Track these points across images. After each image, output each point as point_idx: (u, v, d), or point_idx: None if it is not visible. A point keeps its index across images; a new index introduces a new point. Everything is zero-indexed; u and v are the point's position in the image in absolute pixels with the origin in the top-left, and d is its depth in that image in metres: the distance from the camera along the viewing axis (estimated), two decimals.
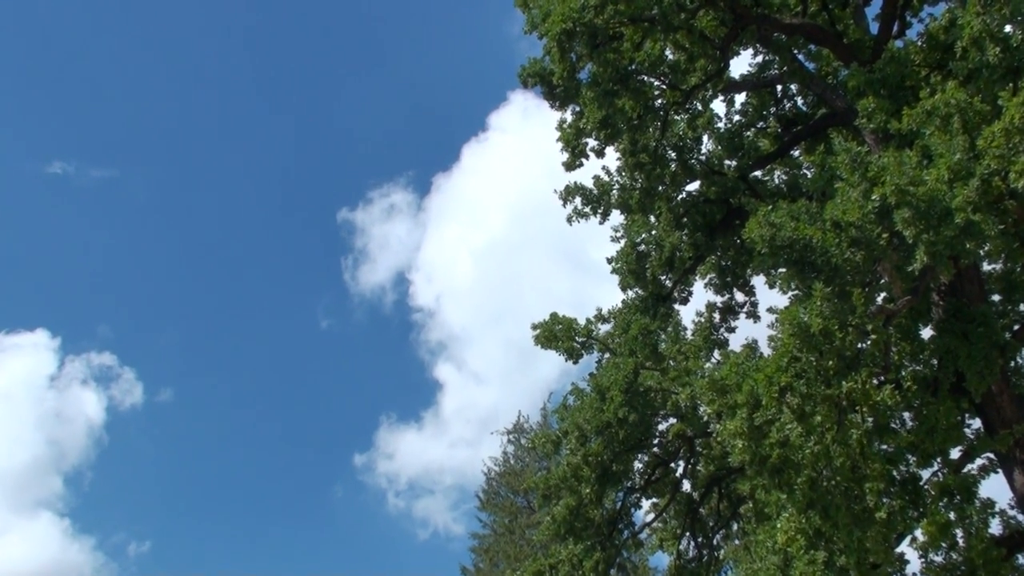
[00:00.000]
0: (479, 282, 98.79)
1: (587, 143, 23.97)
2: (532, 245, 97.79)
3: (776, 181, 26.55)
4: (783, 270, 16.54)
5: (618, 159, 24.74)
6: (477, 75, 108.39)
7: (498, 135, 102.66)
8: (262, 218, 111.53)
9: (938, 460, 19.05)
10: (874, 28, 23.26)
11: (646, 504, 25.53)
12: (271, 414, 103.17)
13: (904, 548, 18.50)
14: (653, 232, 24.35)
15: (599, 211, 25.25)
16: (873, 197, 15.18)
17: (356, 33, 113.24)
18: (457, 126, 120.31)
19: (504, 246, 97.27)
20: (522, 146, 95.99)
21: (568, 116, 23.95)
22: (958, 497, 18.22)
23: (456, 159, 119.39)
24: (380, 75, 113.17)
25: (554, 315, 24.79)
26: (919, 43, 20.60)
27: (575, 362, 25.07)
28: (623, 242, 24.94)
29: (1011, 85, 16.35)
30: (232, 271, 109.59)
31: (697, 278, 26.07)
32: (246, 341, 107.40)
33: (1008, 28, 16.75)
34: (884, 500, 17.25)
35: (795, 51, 24.29)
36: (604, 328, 25.10)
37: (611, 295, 39.72)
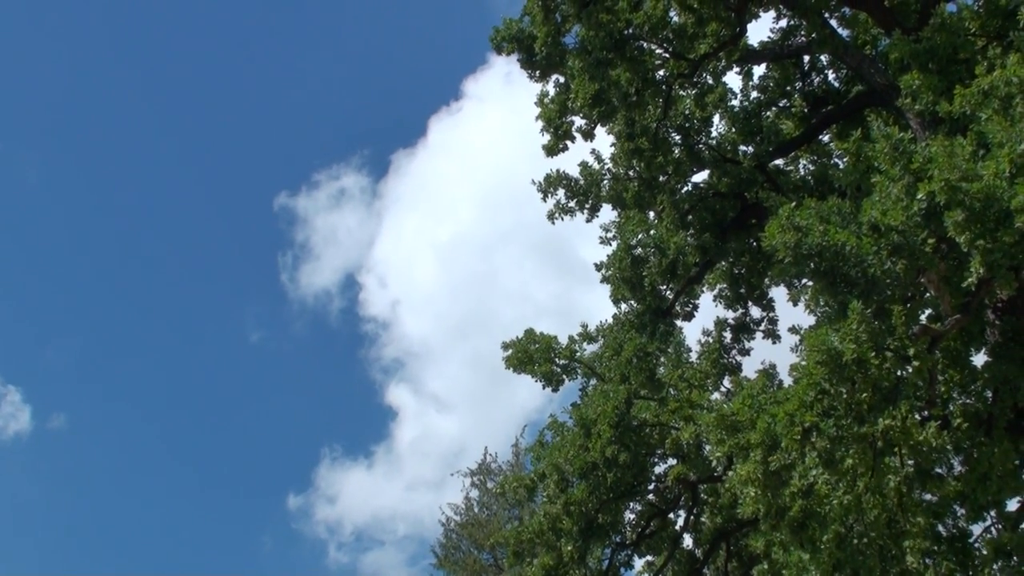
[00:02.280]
0: (443, 286, 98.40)
1: (573, 122, 24.09)
2: (508, 240, 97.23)
3: (801, 172, 26.73)
4: (809, 282, 16.61)
5: (611, 143, 24.83)
6: (450, 31, 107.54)
7: (473, 105, 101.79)
8: (179, 205, 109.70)
9: (992, 513, 19.19)
10: None
11: (639, 563, 25.56)
12: (187, 446, 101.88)
13: None
14: (652, 232, 24.39)
15: (586, 206, 25.34)
16: (919, 195, 15.26)
17: None
18: (424, 94, 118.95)
19: (474, 242, 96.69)
20: (502, 119, 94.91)
21: (551, 89, 24.04)
22: (1015, 558, 18.36)
23: (421, 134, 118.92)
24: (332, 32, 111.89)
25: (530, 332, 24.78)
26: (975, 7, 20.78)
27: (555, 389, 25.05)
28: (615, 244, 24.96)
29: None
30: (141, 271, 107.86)
31: (704, 289, 26.18)
32: (157, 357, 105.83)
33: None
34: (927, 561, 17.37)
35: (826, 14, 24.44)
36: (591, 348, 25.13)
37: (603, 304, 39.86)
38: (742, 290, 26.22)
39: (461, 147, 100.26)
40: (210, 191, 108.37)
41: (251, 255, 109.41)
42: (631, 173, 24.82)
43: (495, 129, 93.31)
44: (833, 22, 24.86)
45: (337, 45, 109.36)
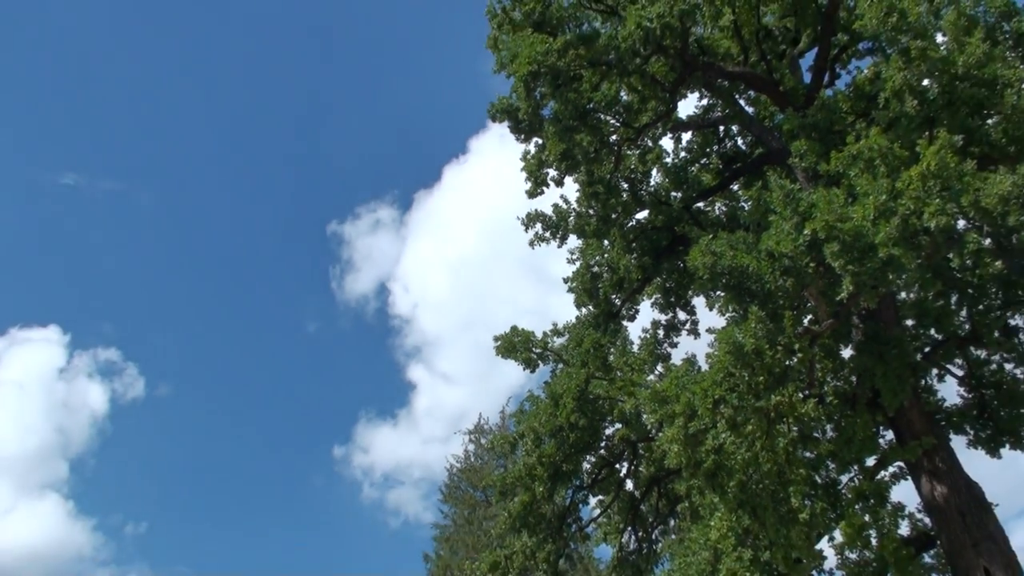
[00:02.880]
0: (452, 293, 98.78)
1: (548, 173, 23.90)
2: (501, 260, 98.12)
3: (717, 212, 26.63)
4: (721, 294, 16.56)
5: (576, 189, 24.73)
6: (461, 102, 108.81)
7: (477, 158, 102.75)
8: (259, 228, 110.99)
9: (855, 467, 19.16)
10: (807, 78, 23.47)
11: (593, 501, 25.42)
12: (260, 408, 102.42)
13: (823, 546, 18.59)
14: (606, 256, 24.37)
15: (558, 236, 25.20)
16: (804, 231, 15.24)
17: (352, 62, 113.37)
18: (440, 148, 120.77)
19: (476, 260, 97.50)
20: (497, 169, 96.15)
21: (532, 148, 23.89)
22: (872, 501, 18.32)
23: (438, 179, 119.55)
24: (374, 101, 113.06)
25: (514, 328, 24.66)
26: (847, 93, 20.79)
27: (532, 371, 24.97)
28: (578, 264, 24.97)
29: (927, 134, 16.52)
30: (229, 277, 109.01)
31: (644, 298, 26.08)
32: (240, 341, 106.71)
33: (926, 82, 16.93)
34: (806, 503, 17.31)
35: (736, 96, 24.43)
36: (559, 341, 24.99)
37: (570, 307, 39.73)
38: (672, 299, 26.10)
39: (467, 189, 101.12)
40: (281, 219, 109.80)
41: (310, 267, 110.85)
42: (591, 211, 24.71)
43: (492, 176, 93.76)
44: (742, 101, 24.85)
45: (378, 110, 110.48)
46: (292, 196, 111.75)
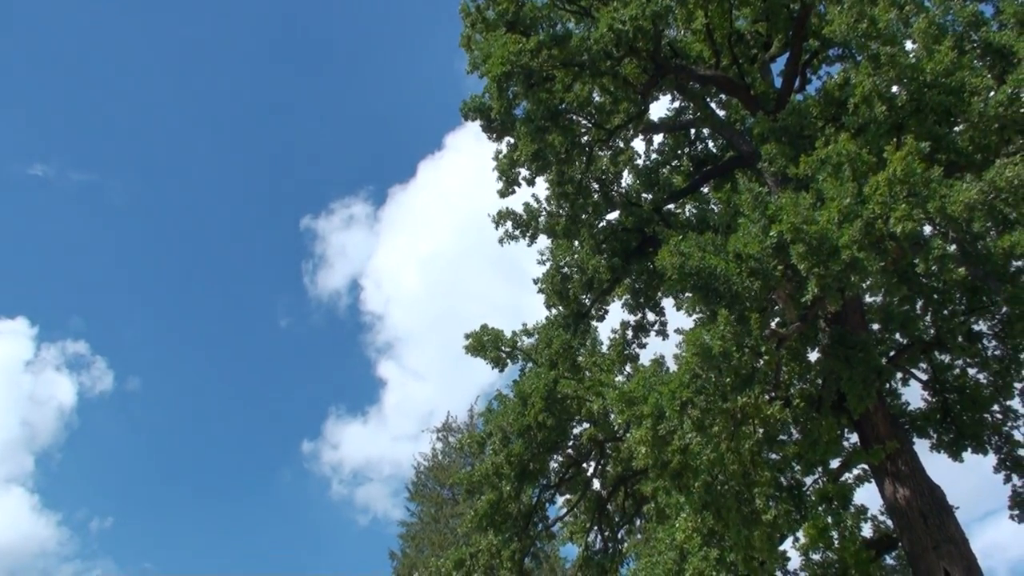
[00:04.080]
0: (424, 289, 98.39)
1: (520, 173, 23.87)
2: (474, 257, 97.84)
3: (687, 214, 26.72)
4: (690, 295, 16.58)
5: (547, 189, 24.71)
6: (437, 97, 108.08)
7: (452, 154, 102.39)
8: (231, 222, 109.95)
9: (819, 469, 19.29)
10: (779, 82, 23.60)
11: (559, 500, 25.44)
12: (230, 403, 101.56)
13: (787, 547, 18.69)
14: (576, 256, 24.37)
15: (528, 235, 25.18)
16: (771, 233, 15.30)
17: (327, 56, 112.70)
18: (416, 144, 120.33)
19: (449, 257, 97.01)
20: (473, 166, 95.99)
21: (503, 148, 23.86)
22: (836, 503, 18.44)
23: (412, 175, 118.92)
24: (349, 96, 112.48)
25: (484, 327, 24.61)
26: (817, 98, 20.93)
27: (501, 370, 24.94)
28: (548, 265, 24.94)
29: (895, 140, 16.63)
30: (201, 271, 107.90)
31: (614, 299, 26.11)
32: (211, 336, 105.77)
33: (895, 89, 17.05)
34: (771, 504, 17.39)
35: (708, 99, 24.58)
36: (529, 341, 24.97)
37: (541, 305, 39.65)
38: (641, 300, 26.13)
39: (442, 185, 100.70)
40: (254, 213, 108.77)
41: (282, 262, 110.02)
42: (561, 211, 24.70)
43: (467, 172, 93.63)
44: (713, 105, 24.97)
45: (353, 104, 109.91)
46: (265, 190, 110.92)
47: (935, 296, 20.85)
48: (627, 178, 26.21)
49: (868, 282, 15.52)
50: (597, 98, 23.67)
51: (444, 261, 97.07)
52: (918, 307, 21.24)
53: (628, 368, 25.34)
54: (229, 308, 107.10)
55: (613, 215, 25.33)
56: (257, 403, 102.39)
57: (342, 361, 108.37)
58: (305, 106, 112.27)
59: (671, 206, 26.31)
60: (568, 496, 25.41)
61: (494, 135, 23.38)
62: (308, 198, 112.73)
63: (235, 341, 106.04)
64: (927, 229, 16.71)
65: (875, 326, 21.57)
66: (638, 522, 25.95)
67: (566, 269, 24.76)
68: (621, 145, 25.57)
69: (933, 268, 14.94)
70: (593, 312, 25.38)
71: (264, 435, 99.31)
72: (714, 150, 26.57)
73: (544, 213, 25.17)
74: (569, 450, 24.50)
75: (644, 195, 25.73)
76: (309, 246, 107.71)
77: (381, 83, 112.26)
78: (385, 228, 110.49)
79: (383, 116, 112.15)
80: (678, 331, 24.24)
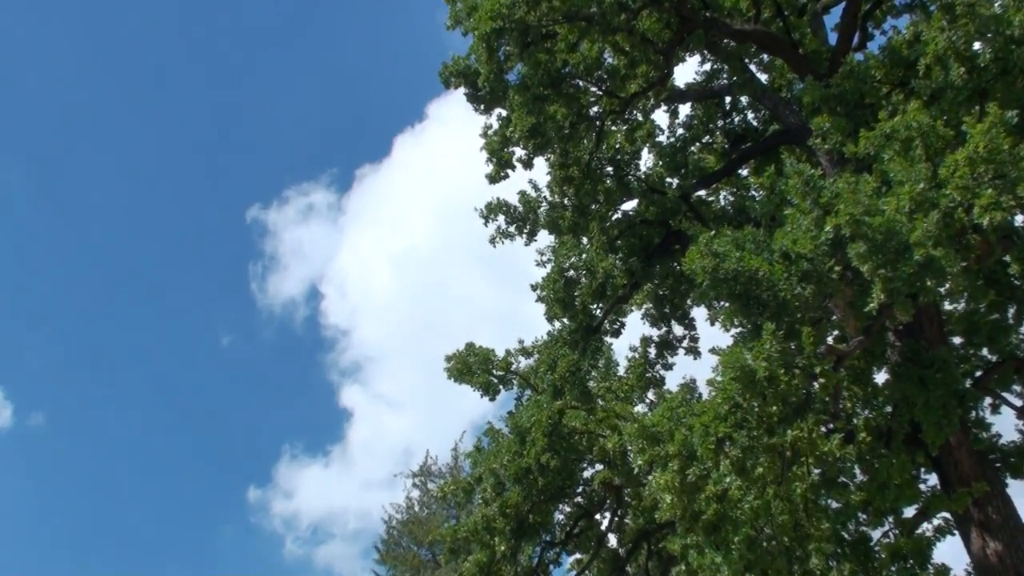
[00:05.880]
0: (400, 297, 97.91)
1: (513, 153, 24.02)
2: (460, 255, 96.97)
3: (721, 203, 26.87)
4: (726, 304, 16.64)
5: (547, 173, 24.82)
6: (418, 59, 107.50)
7: (436, 127, 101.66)
8: (159, 216, 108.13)
9: (890, 519, 19.29)
10: (833, 39, 23.69)
11: (567, 560, 25.49)
12: (158, 441, 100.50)
13: None
14: (583, 256, 24.42)
15: (525, 231, 25.31)
16: (826, 227, 15.36)
17: (282, 9, 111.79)
18: (391, 115, 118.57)
19: (429, 255, 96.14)
20: (461, 140, 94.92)
21: (494, 122, 24.01)
22: (911, 561, 18.45)
23: (386, 152, 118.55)
24: (308, 54, 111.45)
25: (470, 345, 24.69)
26: (880, 57, 21.01)
27: (492, 399, 24.96)
28: (550, 267, 24.97)
29: (977, 109, 16.70)
30: (119, 277, 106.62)
31: (632, 309, 26.21)
32: (134, 358, 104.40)
33: (976, 46, 17.13)
34: (831, 563, 17.43)
35: (746, 60, 24.64)
36: (526, 362, 25.06)
37: (542, 316, 39.53)
38: (666, 310, 26.25)
39: (422, 165, 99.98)
40: (188, 204, 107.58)
41: (223, 265, 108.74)
42: (566, 201, 24.81)
43: (454, 149, 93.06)
44: (752, 67, 25.05)
45: (312, 67, 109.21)
46: (201, 174, 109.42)
47: None
48: (647, 159, 26.39)
49: (947, 286, 15.57)
50: (609, 60, 23.79)
51: (424, 261, 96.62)
52: (1010, 315, 21.31)
53: (651, 395, 25.45)
54: (155, 324, 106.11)
55: (630, 205, 25.47)
56: (191, 442, 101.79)
57: (298, 387, 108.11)
58: (250, 69, 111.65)
59: (702, 193, 26.42)
60: (578, 555, 25.46)
61: (482, 106, 23.51)
62: (255, 184, 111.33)
63: (163, 365, 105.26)
64: (1019, 219, 16.82)
65: (956, 340, 21.63)
66: None
67: (572, 272, 24.84)
68: (639, 118, 25.70)
69: None
70: (606, 325, 25.46)
71: (200, 482, 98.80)
72: (754, 123, 26.71)
73: (544, 203, 25.28)
74: (578, 498, 24.55)
75: (668, 179, 25.87)
76: (257, 244, 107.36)
77: (346, 40, 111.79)
78: (351, 220, 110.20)
79: (349, 80, 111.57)
80: (713, 350, 24.29)
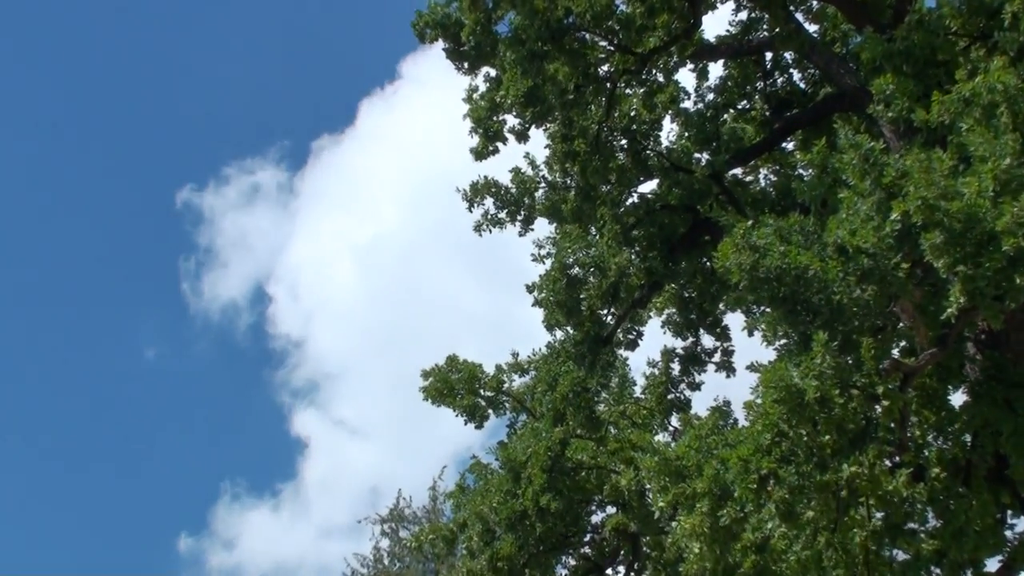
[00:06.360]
0: (363, 296, 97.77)
1: (505, 122, 24.00)
2: (436, 244, 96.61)
3: (761, 184, 26.83)
4: (768, 310, 16.59)
5: (546, 147, 24.76)
6: (387, 5, 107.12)
7: (409, 89, 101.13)
8: (65, 199, 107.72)
9: (969, 573, 19.29)
10: None
11: None
12: (68, 479, 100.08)
13: None
14: (591, 250, 24.39)
15: (518, 218, 25.26)
16: (892, 214, 15.29)
17: None
18: (356, 73, 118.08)
19: (398, 245, 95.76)
20: (440, 107, 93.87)
21: (480, 84, 23.95)
22: None
23: (350, 120, 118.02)
24: (251, 3, 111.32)
25: (452, 359, 24.69)
26: (956, 4, 20.98)
27: (479, 425, 24.99)
28: (550, 262, 24.92)
29: None
30: (15, 278, 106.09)
31: (651, 314, 26.20)
32: (37, 375, 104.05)
33: None
34: None
35: (791, 7, 24.60)
36: (522, 380, 25.05)
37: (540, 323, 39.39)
38: (693, 316, 26.24)
39: (393, 135, 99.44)
40: (102, 183, 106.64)
41: (148, 260, 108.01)
42: (569, 181, 24.76)
43: (432, 117, 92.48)
44: (799, 16, 25.00)
45: (257, 18, 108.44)
46: (119, 148, 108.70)
47: None
48: (670, 129, 26.33)
49: None
50: (623, 7, 23.74)
51: (395, 255, 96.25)
52: None
53: (674, 421, 25.42)
54: (62, 335, 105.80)
55: (649, 186, 25.43)
56: (108, 480, 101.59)
57: (240, 412, 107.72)
58: (184, 23, 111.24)
59: (737, 171, 26.42)
60: None
61: (466, 65, 23.51)
62: (187, 160, 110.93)
63: (72, 385, 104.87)
64: None
65: None
66: None
67: (577, 269, 24.81)
68: (660, 79, 25.66)
69: None
70: (619, 335, 25.46)
71: (120, 529, 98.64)
72: (801, 85, 26.70)
73: (543, 184, 25.24)
74: (586, 548, 24.53)
75: (696, 155, 25.79)
76: (189, 234, 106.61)
77: None
78: (306, 204, 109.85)
79: (302, 32, 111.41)
80: (751, 366, 24.29)
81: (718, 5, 24.72)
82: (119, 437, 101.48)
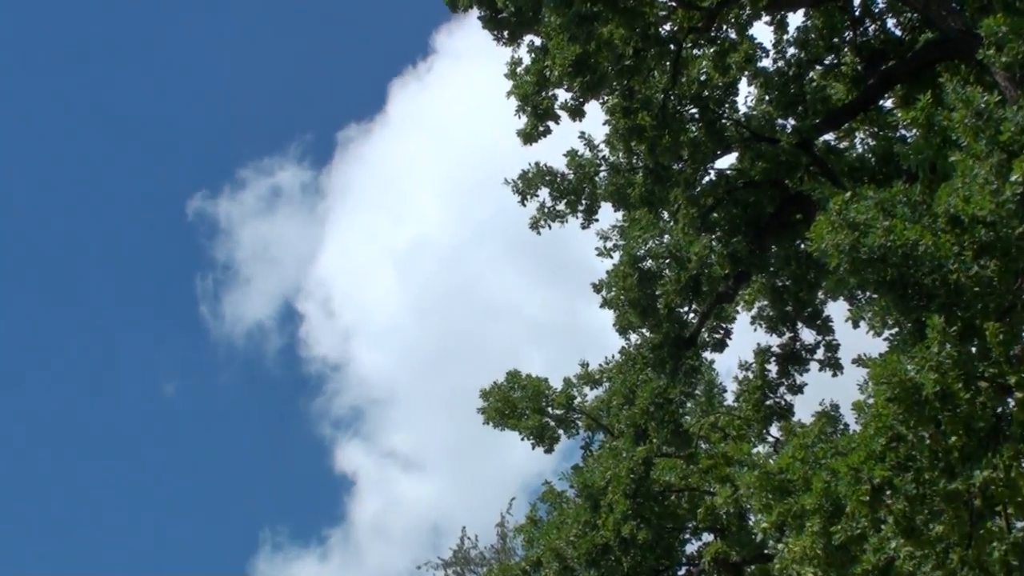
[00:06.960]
0: (406, 308, 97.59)
1: (556, 97, 24.06)
2: (486, 244, 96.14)
3: (858, 150, 26.75)
4: (873, 296, 16.61)
5: (605, 123, 24.81)
6: None
7: (445, 65, 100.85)
8: (68, 213, 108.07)
9: None
10: None
11: None
12: (83, 528, 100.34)
13: None
14: (665, 238, 24.40)
15: (579, 208, 25.32)
16: (1013, 176, 15.29)
17: None
18: (385, 53, 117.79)
19: (442, 247, 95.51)
20: (480, 84, 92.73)
21: (524, 56, 24.06)
22: None
23: (379, 104, 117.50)
24: None
25: (513, 375, 24.82)
26: None
27: (549, 449, 25.06)
28: (618, 256, 24.91)
29: None
30: (16, 307, 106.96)
31: (739, 309, 26.19)
32: (44, 415, 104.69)
33: None
34: None
35: None
36: (594, 393, 25.14)
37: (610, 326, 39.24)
38: (788, 308, 26.22)
39: (429, 120, 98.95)
40: (99, 193, 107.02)
41: (159, 281, 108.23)
42: (634, 161, 24.82)
43: (473, 95, 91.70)
44: None
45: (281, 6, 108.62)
46: (121, 151, 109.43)
47: None
48: (747, 93, 26.34)
49: None
50: None
51: (440, 258, 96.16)
52: None
53: (774, 430, 25.44)
54: (76, 367, 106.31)
55: (727, 160, 25.46)
56: (133, 538, 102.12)
57: (275, 449, 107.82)
58: (181, 5, 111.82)
59: (829, 137, 26.37)
60: None
61: (506, 34, 23.59)
62: (197, 164, 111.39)
63: (88, 423, 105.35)
64: None
65: None
66: None
67: (650, 262, 24.80)
68: (732, 36, 25.69)
69: None
70: (704, 335, 25.47)
71: None
72: (897, 32, 26.61)
73: (604, 166, 25.32)
74: None
75: (780, 121, 25.80)
76: (205, 248, 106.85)
77: None
78: (334, 206, 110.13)
79: (321, 10, 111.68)
80: (858, 360, 24.31)
81: None
82: (140, 489, 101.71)
